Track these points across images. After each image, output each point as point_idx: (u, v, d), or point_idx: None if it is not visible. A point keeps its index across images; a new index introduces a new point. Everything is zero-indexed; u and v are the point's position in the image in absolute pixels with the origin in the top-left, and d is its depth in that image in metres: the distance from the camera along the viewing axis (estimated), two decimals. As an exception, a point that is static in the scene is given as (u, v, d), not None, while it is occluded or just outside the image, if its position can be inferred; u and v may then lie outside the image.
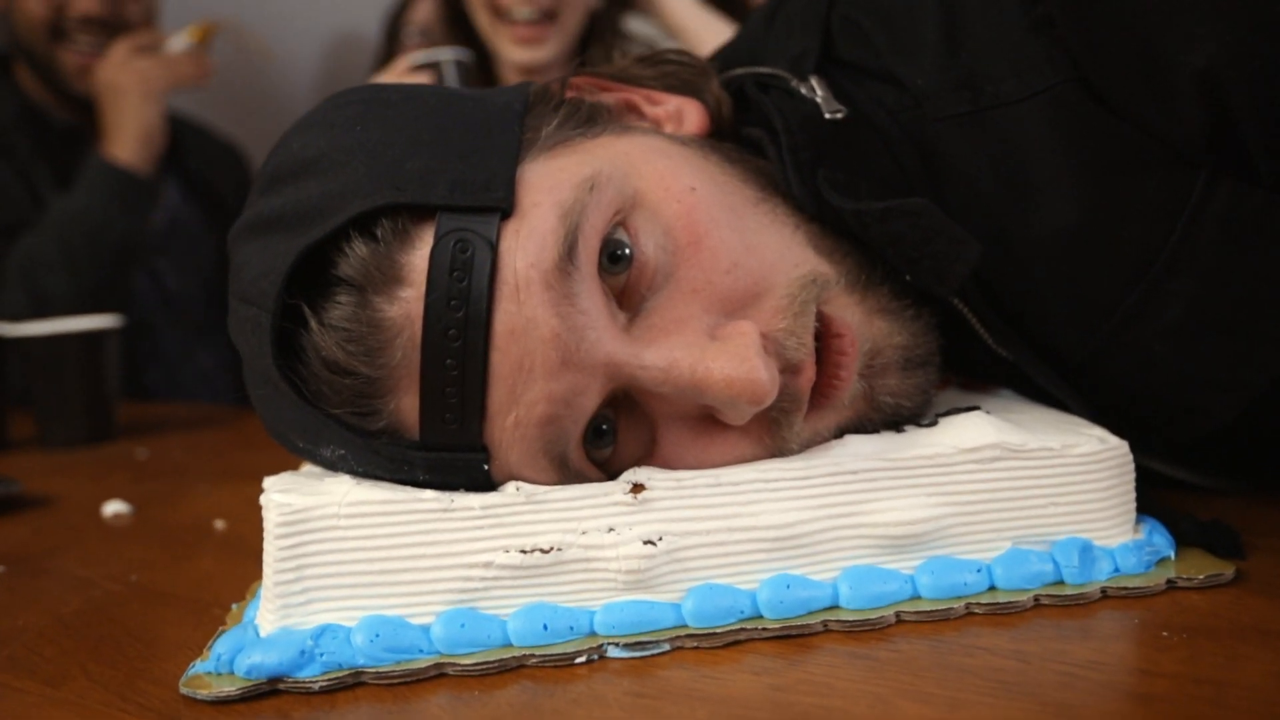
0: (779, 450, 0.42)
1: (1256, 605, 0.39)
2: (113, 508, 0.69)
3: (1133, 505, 0.44)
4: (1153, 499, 0.46)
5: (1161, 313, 0.45)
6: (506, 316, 0.38)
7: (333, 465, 0.42)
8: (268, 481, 0.42)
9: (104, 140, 1.27)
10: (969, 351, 0.50)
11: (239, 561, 0.55)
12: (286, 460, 0.47)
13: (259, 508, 0.40)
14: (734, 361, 0.38)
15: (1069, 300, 0.47)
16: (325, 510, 0.39)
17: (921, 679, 0.35)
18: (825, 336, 0.42)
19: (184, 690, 0.37)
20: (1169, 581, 0.42)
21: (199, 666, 0.39)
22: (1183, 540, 0.45)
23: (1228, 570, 0.42)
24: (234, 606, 0.46)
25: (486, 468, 0.40)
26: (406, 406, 0.39)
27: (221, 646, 0.39)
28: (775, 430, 0.42)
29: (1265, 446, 0.52)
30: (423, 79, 1.05)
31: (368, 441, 0.40)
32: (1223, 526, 0.45)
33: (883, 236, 0.44)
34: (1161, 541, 0.44)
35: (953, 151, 0.46)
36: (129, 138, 1.25)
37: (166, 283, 1.43)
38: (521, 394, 0.38)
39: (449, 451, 0.39)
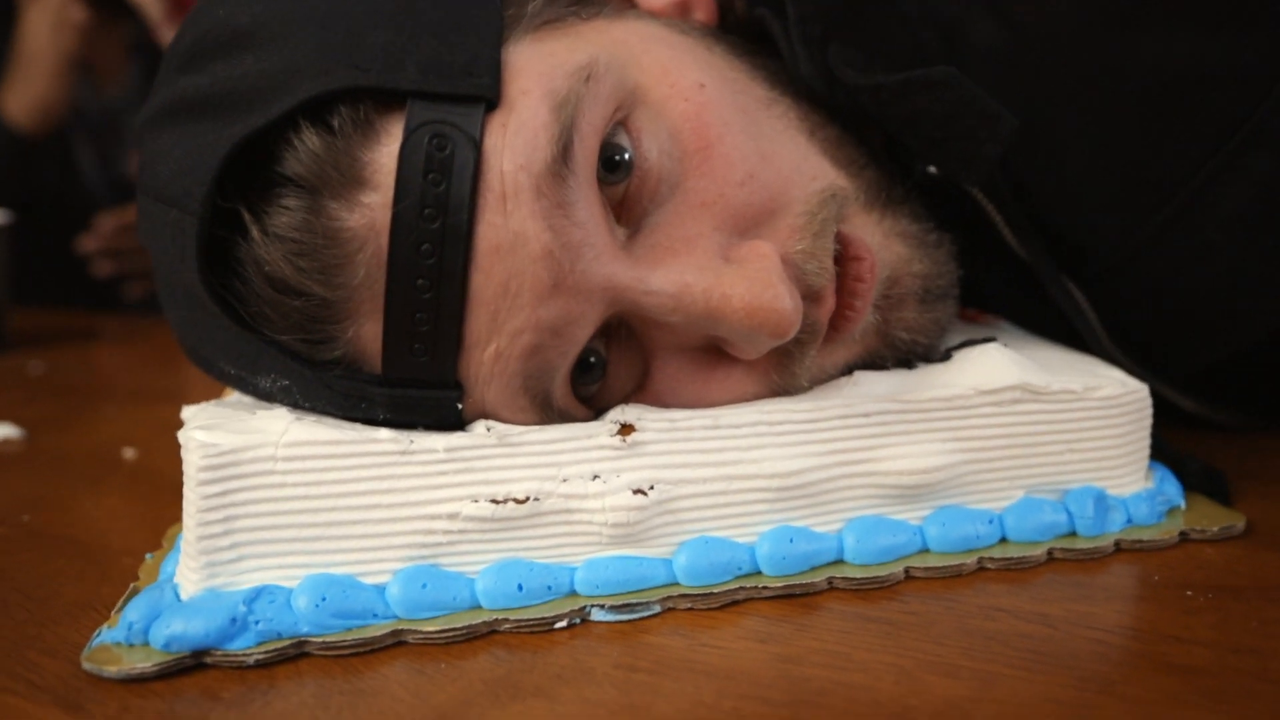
0: (786, 388, 0.38)
1: (1273, 561, 0.37)
2: (0, 432, 0.61)
3: (1146, 452, 0.42)
4: (1157, 436, 0.43)
5: (1230, 196, 0.40)
6: (491, 230, 0.32)
7: (270, 397, 0.36)
8: (187, 414, 0.36)
9: (4, 85, 1.18)
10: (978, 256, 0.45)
11: (153, 499, 0.48)
12: (209, 381, 0.40)
13: (176, 434, 0.34)
14: (756, 287, 0.33)
15: (1119, 184, 0.42)
16: (259, 451, 0.33)
17: (944, 647, 0.32)
18: (842, 260, 0.37)
19: (86, 666, 0.31)
20: (1181, 534, 0.39)
21: (106, 635, 0.32)
22: (1189, 484, 0.42)
23: (1239, 522, 0.40)
24: (148, 557, 0.39)
25: (460, 406, 0.34)
26: (368, 334, 0.33)
27: (134, 611, 0.32)
28: (785, 366, 0.37)
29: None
30: None
31: (318, 374, 0.34)
32: (1215, 471, 0.43)
33: (902, 116, 0.39)
34: (1172, 490, 0.42)
35: (984, 21, 0.40)
36: (28, 102, 1.17)
37: (118, 167, 1.35)
38: (505, 322, 0.32)
39: (416, 388, 0.33)
